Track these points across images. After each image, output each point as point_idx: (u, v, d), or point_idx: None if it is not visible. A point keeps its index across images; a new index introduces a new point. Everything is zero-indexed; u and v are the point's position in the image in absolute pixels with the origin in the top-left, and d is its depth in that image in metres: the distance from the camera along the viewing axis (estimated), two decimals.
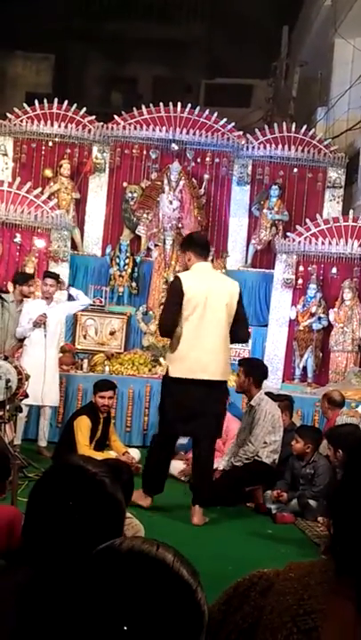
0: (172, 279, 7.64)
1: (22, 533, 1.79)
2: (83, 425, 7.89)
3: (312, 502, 7.23)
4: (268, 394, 8.23)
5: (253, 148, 12.44)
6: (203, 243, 7.23)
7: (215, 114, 12.69)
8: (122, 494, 1.77)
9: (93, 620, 1.14)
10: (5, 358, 7.88)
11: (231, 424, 8.45)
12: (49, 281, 9.31)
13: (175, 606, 1.15)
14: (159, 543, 1.23)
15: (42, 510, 1.74)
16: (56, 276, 9.54)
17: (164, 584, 1.16)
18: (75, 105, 12.62)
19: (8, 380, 7.19)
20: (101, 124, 12.44)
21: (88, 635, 1.13)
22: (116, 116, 12.60)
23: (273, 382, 9.99)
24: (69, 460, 1.90)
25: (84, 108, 12.67)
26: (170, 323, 6.70)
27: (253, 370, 7.92)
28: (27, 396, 8.03)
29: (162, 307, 7.86)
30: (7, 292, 9.58)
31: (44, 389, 8.80)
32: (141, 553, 1.19)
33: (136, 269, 11.81)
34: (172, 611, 1.14)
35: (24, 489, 6.56)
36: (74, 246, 11.99)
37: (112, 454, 7.98)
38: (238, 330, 6.88)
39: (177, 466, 8.21)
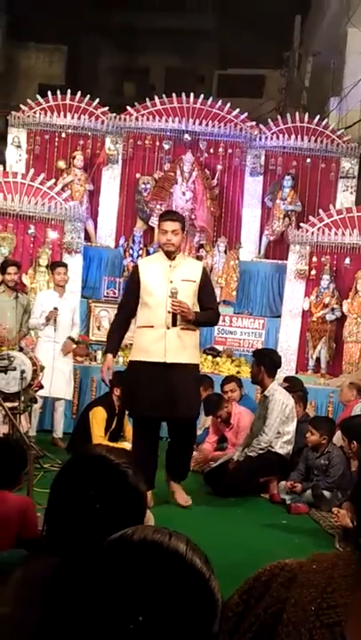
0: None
1: (44, 523, 1.80)
2: (98, 416, 7.92)
3: (326, 493, 7.23)
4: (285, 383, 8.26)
5: (266, 138, 12.39)
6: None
7: (228, 104, 12.64)
8: (144, 485, 1.78)
9: (107, 610, 1.14)
10: (20, 349, 7.92)
11: (243, 415, 8.46)
12: (61, 270, 9.35)
13: (188, 595, 1.15)
14: (171, 532, 1.22)
15: (64, 500, 1.75)
16: (65, 265, 9.59)
17: (178, 573, 1.16)
18: (87, 96, 12.60)
19: (23, 371, 7.21)
20: (114, 115, 12.41)
21: (102, 625, 1.14)
22: (128, 107, 12.56)
23: (287, 373, 9.97)
24: (92, 450, 1.91)
25: (97, 100, 12.65)
26: None
27: (265, 360, 7.91)
28: (41, 387, 8.07)
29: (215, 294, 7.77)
30: (23, 286, 9.66)
31: (53, 382, 8.83)
32: (154, 542, 1.19)
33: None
34: (186, 600, 1.14)
35: (39, 479, 6.60)
36: (87, 238, 12.00)
37: (126, 445, 7.99)
38: None
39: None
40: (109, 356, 6.85)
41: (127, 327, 6.96)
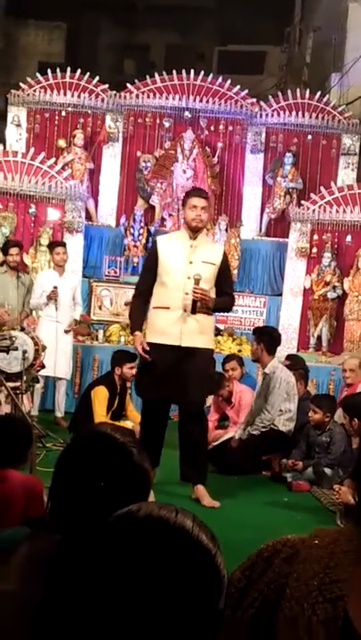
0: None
1: (49, 501, 1.81)
2: (100, 395, 7.93)
3: (327, 470, 7.27)
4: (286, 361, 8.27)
5: (267, 115, 12.35)
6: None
7: (228, 81, 12.61)
8: (149, 464, 1.79)
9: (112, 586, 1.15)
10: (22, 329, 7.94)
11: (245, 394, 8.48)
12: (60, 249, 9.38)
13: (195, 571, 1.15)
14: (177, 508, 1.23)
15: (68, 478, 1.76)
16: (64, 245, 9.59)
17: (184, 550, 1.16)
18: (87, 74, 12.55)
19: (25, 351, 7.24)
20: (114, 92, 12.37)
21: (108, 601, 1.15)
22: (128, 85, 12.52)
23: (288, 351, 9.99)
24: (97, 429, 1.92)
25: (97, 77, 12.61)
26: None
27: (264, 337, 7.90)
28: (43, 366, 8.09)
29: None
30: (24, 266, 9.65)
31: (56, 361, 8.85)
32: (160, 519, 1.19)
33: (150, 239, 11.79)
34: (192, 576, 1.15)
35: (42, 459, 6.63)
36: (88, 217, 11.98)
37: (128, 424, 8.02)
38: None
39: None
40: (138, 333, 6.51)
41: (147, 305, 6.59)
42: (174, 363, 6.22)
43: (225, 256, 6.68)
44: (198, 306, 6.18)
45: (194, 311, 6.17)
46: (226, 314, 10.65)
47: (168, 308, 6.30)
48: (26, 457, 4.50)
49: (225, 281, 6.57)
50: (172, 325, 6.25)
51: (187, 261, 6.29)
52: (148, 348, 6.35)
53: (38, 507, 3.87)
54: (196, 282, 6.13)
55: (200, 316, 6.25)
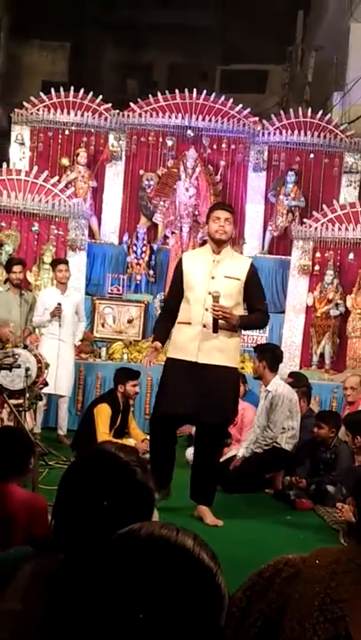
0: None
1: (52, 519, 1.81)
2: (103, 413, 7.91)
3: (330, 488, 7.24)
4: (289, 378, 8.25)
5: (269, 133, 12.38)
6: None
7: (231, 100, 12.65)
8: (153, 483, 1.79)
9: (114, 605, 1.15)
10: (25, 347, 7.94)
11: (247, 411, 8.47)
12: (62, 267, 9.43)
13: (196, 590, 1.16)
14: (178, 528, 1.23)
15: (72, 497, 1.76)
16: (66, 262, 9.62)
17: (185, 569, 1.17)
18: (90, 93, 12.61)
19: (28, 369, 7.24)
20: (117, 111, 12.41)
21: (110, 619, 1.15)
22: (131, 104, 12.57)
23: (290, 369, 9.98)
24: (101, 448, 1.92)
25: (100, 96, 12.67)
26: None
27: (266, 354, 7.89)
28: (46, 384, 8.09)
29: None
30: (27, 283, 9.69)
31: (57, 379, 8.85)
32: (161, 538, 1.20)
33: (153, 257, 11.82)
34: (194, 595, 1.15)
35: (45, 477, 6.62)
36: (91, 235, 12.01)
37: (131, 442, 8.01)
38: None
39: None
40: (156, 343, 6.43)
41: (173, 320, 6.42)
42: (191, 379, 6.08)
43: (252, 270, 6.37)
44: (220, 324, 6.01)
45: (215, 330, 6.01)
46: None
47: (189, 323, 6.18)
48: (27, 467, 4.49)
49: (254, 296, 6.34)
50: (191, 341, 6.13)
51: (208, 276, 6.16)
52: (153, 361, 6.37)
53: (42, 525, 3.86)
54: (215, 299, 5.98)
55: (222, 334, 6.07)
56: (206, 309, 6.05)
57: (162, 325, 6.60)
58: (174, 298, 6.43)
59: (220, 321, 5.99)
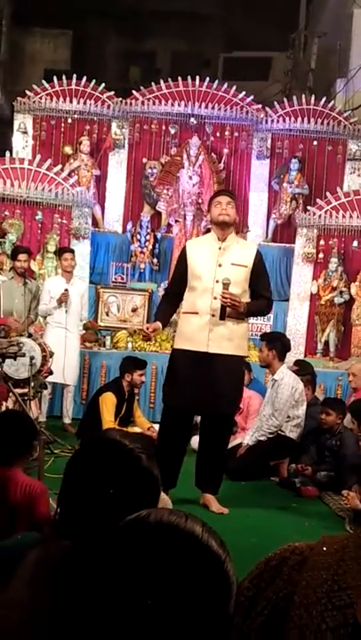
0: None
1: (57, 506, 1.81)
2: (108, 401, 7.91)
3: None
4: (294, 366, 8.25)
5: (273, 121, 12.36)
6: None
7: (234, 87, 12.60)
8: (158, 470, 1.78)
9: (122, 591, 1.15)
10: (29, 335, 7.95)
11: (253, 399, 8.48)
12: (68, 255, 9.42)
13: (205, 577, 1.16)
14: (187, 514, 1.24)
15: (77, 484, 1.76)
16: (72, 251, 9.62)
17: (194, 555, 1.17)
18: (93, 81, 12.58)
19: (32, 357, 7.25)
20: (120, 99, 12.39)
21: (117, 606, 1.15)
22: (134, 92, 12.53)
23: (295, 357, 9.97)
24: (106, 435, 1.92)
25: (103, 84, 12.64)
26: None
27: (276, 343, 7.89)
28: (51, 373, 8.10)
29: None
30: (31, 272, 9.69)
31: (63, 368, 8.85)
32: (170, 524, 1.20)
33: (157, 245, 11.80)
34: (202, 582, 1.15)
35: (50, 465, 6.64)
36: (94, 223, 12.00)
37: (136, 430, 8.03)
38: None
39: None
40: (158, 322, 6.32)
41: (175, 306, 6.43)
42: (202, 370, 6.02)
43: (258, 256, 6.29)
44: (228, 311, 5.95)
45: (223, 317, 5.94)
46: None
47: (197, 313, 6.08)
48: (32, 450, 4.50)
49: (260, 283, 6.26)
50: (200, 331, 6.04)
51: (215, 264, 6.08)
52: (152, 329, 6.20)
53: (43, 510, 3.87)
54: (225, 286, 5.92)
55: (230, 322, 6.01)
56: (215, 297, 5.98)
57: (164, 308, 6.52)
58: (177, 284, 6.36)
59: (227, 308, 5.94)
